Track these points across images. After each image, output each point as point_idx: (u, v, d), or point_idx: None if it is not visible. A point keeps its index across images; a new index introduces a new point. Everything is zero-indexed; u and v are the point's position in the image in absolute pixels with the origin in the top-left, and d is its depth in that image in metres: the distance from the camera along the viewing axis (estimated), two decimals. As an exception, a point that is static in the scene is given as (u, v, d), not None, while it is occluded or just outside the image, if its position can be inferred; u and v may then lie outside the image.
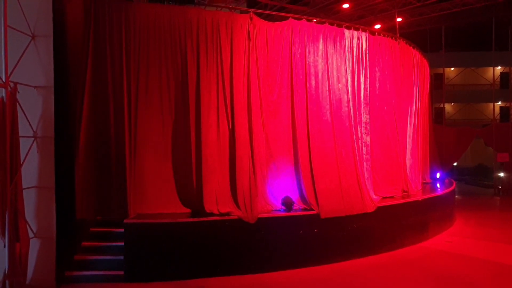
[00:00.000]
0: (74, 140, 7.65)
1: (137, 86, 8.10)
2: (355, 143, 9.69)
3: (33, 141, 6.97)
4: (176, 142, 8.40)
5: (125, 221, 7.56)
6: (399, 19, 17.11)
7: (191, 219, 7.81)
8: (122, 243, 7.47)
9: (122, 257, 7.42)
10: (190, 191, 8.35)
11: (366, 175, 9.87)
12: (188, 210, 8.25)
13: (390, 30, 15.90)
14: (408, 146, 12.08)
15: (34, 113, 6.94)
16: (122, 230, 7.51)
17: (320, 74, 9.36)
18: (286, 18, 9.38)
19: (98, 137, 7.81)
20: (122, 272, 7.34)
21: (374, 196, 9.94)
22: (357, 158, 9.65)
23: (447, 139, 20.32)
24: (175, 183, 8.35)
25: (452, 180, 15.83)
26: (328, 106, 9.38)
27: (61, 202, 7.09)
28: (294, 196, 8.80)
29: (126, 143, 7.88)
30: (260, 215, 8.12)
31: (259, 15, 9.14)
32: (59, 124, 7.14)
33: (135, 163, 8.05)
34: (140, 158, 8.11)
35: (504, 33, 20.85)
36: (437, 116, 20.60)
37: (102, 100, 7.86)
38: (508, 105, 21.65)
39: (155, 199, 8.14)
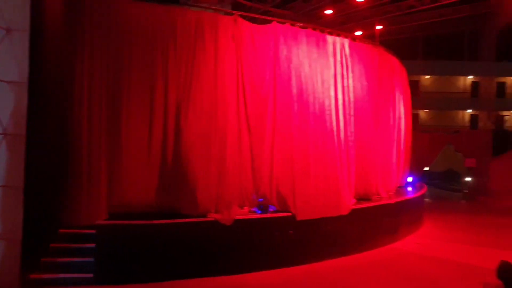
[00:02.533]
0: (47, 139, 7.48)
1: (117, 85, 8.01)
2: (337, 146, 9.92)
3: (2, 138, 6.67)
4: (156, 143, 8.29)
5: (97, 222, 7.40)
6: (379, 27, 17.55)
7: (166, 221, 7.70)
8: (93, 245, 7.26)
9: (92, 259, 7.21)
10: (167, 193, 8.28)
11: (345, 178, 10.13)
12: (164, 212, 8.13)
13: (370, 37, 16.29)
14: (387, 150, 12.44)
15: (5, 109, 6.64)
16: (93, 231, 7.31)
17: (304, 78, 9.50)
18: (270, 21, 9.50)
19: (72, 136, 7.68)
20: (91, 275, 7.10)
21: (351, 199, 10.22)
22: (339, 161, 9.88)
23: (420, 144, 20.98)
24: (152, 184, 8.25)
25: (423, 184, 16.39)
26: (312, 110, 9.54)
27: (29, 202, 6.76)
28: (272, 198, 8.93)
29: (102, 144, 7.77)
30: (237, 217, 8.19)
31: (243, 17, 9.23)
32: (32, 122, 6.87)
33: (111, 165, 7.95)
34: (116, 159, 8.01)
35: (476, 44, 21.70)
36: (412, 122, 21.17)
37: (80, 98, 7.70)
38: (477, 113, 22.52)
39: (130, 200, 8.05)
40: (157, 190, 8.25)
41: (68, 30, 7.71)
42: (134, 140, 8.17)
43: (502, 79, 30.30)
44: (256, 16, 10.86)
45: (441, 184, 26.52)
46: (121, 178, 8.03)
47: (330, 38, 10.27)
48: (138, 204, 8.08)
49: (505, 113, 30.07)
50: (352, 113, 10.56)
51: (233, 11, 9.18)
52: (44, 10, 7.39)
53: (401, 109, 13.91)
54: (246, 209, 8.88)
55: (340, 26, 18.25)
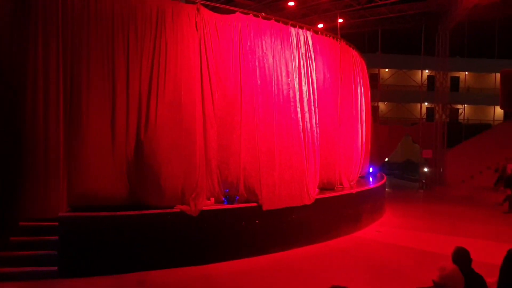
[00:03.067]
0: (1, 130, 7.15)
1: (76, 75, 7.71)
2: (302, 137, 10.00)
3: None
4: (117, 133, 8.05)
5: (60, 214, 7.23)
6: (340, 20, 17.83)
7: (131, 212, 7.60)
8: (56, 238, 7.09)
9: (56, 252, 7.05)
10: (132, 184, 8.12)
11: (310, 168, 10.23)
12: (130, 204, 7.99)
13: (332, 30, 16.51)
14: (350, 141, 12.70)
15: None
16: (56, 223, 7.13)
17: (268, 69, 9.50)
18: (233, 11, 9.41)
19: (28, 128, 7.40)
20: (55, 268, 6.96)
21: (315, 189, 10.37)
22: (303, 152, 9.97)
23: (380, 135, 21.61)
24: (116, 176, 8.02)
25: (383, 174, 16.92)
26: (276, 101, 9.56)
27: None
28: (238, 188, 8.91)
29: (61, 136, 7.55)
30: (204, 208, 8.15)
31: (206, 6, 9.09)
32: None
33: (71, 156, 7.71)
34: (77, 150, 7.75)
35: (432, 39, 22.56)
36: (372, 114, 21.88)
37: (34, 89, 7.42)
38: (433, 106, 23.47)
39: (93, 192, 7.80)
40: (122, 182, 8.03)
41: (18, 21, 7.33)
42: (96, 131, 7.89)
43: (456, 74, 31.77)
44: (219, 5, 10.72)
45: (400, 174, 27.52)
46: (83, 170, 7.76)
47: (293, 30, 10.32)
48: (103, 196, 7.84)
49: (459, 106, 31.56)
50: (315, 104, 10.68)
51: (196, 0, 9.02)
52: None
53: (362, 101, 14.25)
54: (212, 200, 8.83)
55: (302, 19, 18.41)
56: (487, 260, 5.05)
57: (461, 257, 3.88)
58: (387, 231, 11.44)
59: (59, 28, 7.62)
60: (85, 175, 7.78)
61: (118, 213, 7.50)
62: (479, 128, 28.47)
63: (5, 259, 6.92)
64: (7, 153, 7.39)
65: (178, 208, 7.92)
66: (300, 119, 10.08)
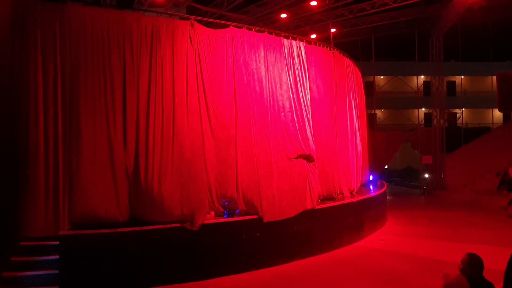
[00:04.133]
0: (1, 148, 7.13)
1: (74, 92, 7.76)
2: (298, 147, 9.98)
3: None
4: (115, 149, 8.03)
5: (60, 232, 7.21)
6: (333, 30, 17.98)
7: (131, 228, 7.58)
8: (57, 257, 7.07)
9: (57, 271, 7.01)
10: (131, 200, 8.06)
11: (308, 178, 10.20)
12: (129, 219, 7.95)
13: (325, 40, 16.66)
14: (346, 149, 12.68)
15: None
16: (57, 242, 7.12)
17: (263, 81, 9.55)
18: (227, 26, 9.50)
19: (27, 146, 7.44)
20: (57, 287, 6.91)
21: (314, 197, 10.33)
22: (300, 162, 9.96)
23: (378, 143, 21.61)
24: (115, 191, 7.95)
25: (384, 182, 16.87)
26: (271, 112, 9.59)
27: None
28: (238, 201, 8.85)
29: (59, 152, 7.57)
30: (204, 222, 8.08)
31: (200, 22, 9.17)
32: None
33: (71, 173, 7.70)
34: (76, 167, 7.72)
35: (426, 45, 22.71)
36: (369, 121, 21.90)
37: (34, 108, 7.52)
38: (431, 111, 23.51)
39: (93, 209, 7.72)
40: (121, 198, 7.96)
41: (18, 37, 7.42)
42: (94, 149, 7.86)
43: (452, 78, 31.95)
44: (213, 20, 10.81)
45: (401, 181, 27.45)
46: (83, 187, 7.72)
47: (286, 42, 10.39)
48: (103, 213, 7.76)
49: (457, 110, 31.67)
50: (310, 114, 10.69)
51: (189, 16, 9.07)
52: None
53: (358, 109, 14.26)
54: (212, 213, 8.78)
55: (295, 30, 18.58)
56: (492, 266, 4.98)
57: (473, 264, 3.72)
58: (390, 239, 11.35)
59: (57, 48, 7.72)
60: (85, 193, 7.72)
61: (118, 230, 7.48)
62: (479, 131, 28.49)
63: (6, 279, 6.87)
64: (6, 172, 7.37)
65: (178, 223, 7.86)
66: (299, 130, 10.10)
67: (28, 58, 7.54)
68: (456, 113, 31.71)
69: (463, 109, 32.36)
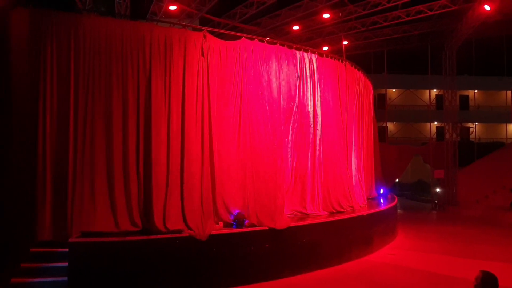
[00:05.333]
0: (13, 158, 7.26)
1: (86, 103, 7.88)
2: (309, 160, 9.97)
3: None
4: (126, 159, 8.15)
5: (70, 240, 7.25)
6: (345, 42, 18.02)
7: (140, 237, 7.61)
8: (66, 264, 7.08)
9: (65, 279, 7.02)
10: (140, 209, 8.15)
11: (315, 188, 10.18)
12: (137, 229, 8.01)
13: (337, 52, 16.68)
14: (355, 163, 12.61)
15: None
16: (66, 249, 7.15)
17: (272, 93, 9.59)
18: (239, 37, 9.58)
19: (38, 155, 7.54)
20: None
21: (320, 209, 10.30)
22: (307, 173, 9.95)
23: (389, 156, 21.42)
24: (125, 201, 8.06)
25: (395, 196, 16.67)
26: (282, 124, 9.61)
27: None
28: (246, 212, 8.84)
29: (69, 161, 7.65)
30: (212, 232, 8.09)
31: (212, 33, 9.26)
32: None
33: (82, 181, 7.78)
34: (86, 176, 7.82)
35: (439, 58, 22.59)
36: (380, 134, 21.80)
37: (49, 118, 7.61)
38: (443, 125, 23.27)
39: (102, 217, 7.83)
40: (131, 207, 8.03)
41: (34, 49, 7.54)
42: (106, 157, 8.00)
43: (465, 92, 31.64)
44: (225, 32, 10.92)
45: (412, 195, 27.08)
46: (92, 196, 7.82)
47: (298, 54, 10.43)
48: (112, 221, 7.85)
49: (470, 124, 31.30)
50: (320, 127, 10.67)
51: (202, 27, 9.18)
52: (8, 28, 7.24)
53: (368, 122, 14.20)
54: (221, 224, 8.77)
55: (307, 42, 18.65)
56: (506, 284, 4.87)
57: (487, 282, 3.65)
58: (400, 253, 11.18)
59: (71, 59, 7.82)
60: (95, 201, 7.82)
61: (127, 238, 7.52)
62: (492, 146, 28.07)
63: (16, 285, 6.91)
64: (18, 179, 7.49)
65: (186, 233, 7.88)
66: (311, 142, 10.17)
67: (45, 69, 7.63)
68: (469, 128, 31.32)
69: (476, 123, 31.97)
